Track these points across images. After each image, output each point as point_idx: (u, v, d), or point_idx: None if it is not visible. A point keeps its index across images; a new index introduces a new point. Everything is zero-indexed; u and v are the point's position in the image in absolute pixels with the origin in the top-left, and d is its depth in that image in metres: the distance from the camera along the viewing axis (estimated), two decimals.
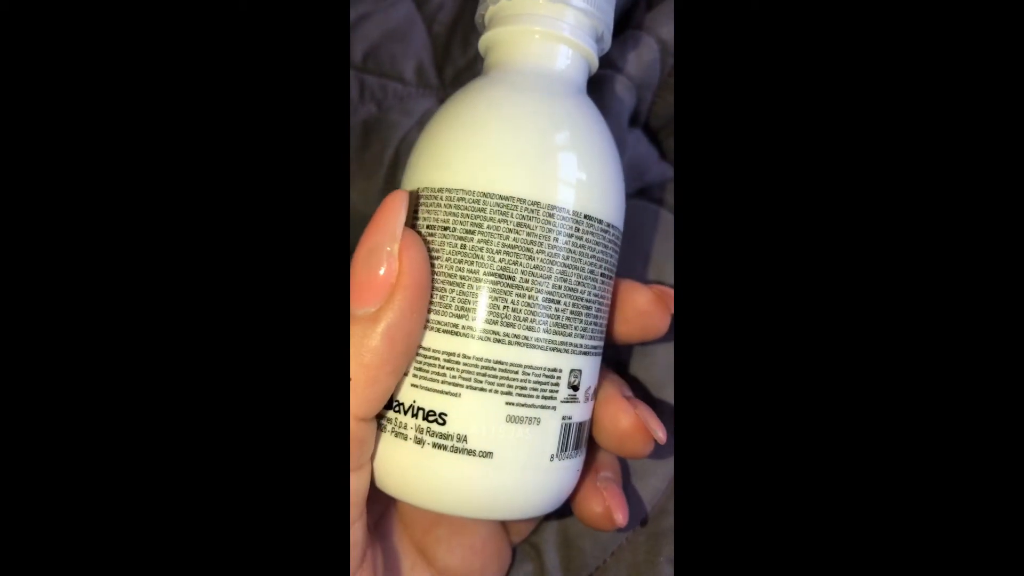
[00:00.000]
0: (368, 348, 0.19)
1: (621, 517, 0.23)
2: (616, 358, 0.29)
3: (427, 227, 0.21)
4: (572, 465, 0.22)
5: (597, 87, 0.30)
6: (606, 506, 0.23)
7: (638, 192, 0.32)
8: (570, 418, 0.21)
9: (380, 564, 0.22)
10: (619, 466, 0.25)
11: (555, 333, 0.21)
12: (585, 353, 0.22)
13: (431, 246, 0.21)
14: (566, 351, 0.21)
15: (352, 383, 0.19)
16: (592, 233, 0.21)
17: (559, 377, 0.21)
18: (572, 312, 0.21)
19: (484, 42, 0.24)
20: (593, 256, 0.21)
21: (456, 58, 0.35)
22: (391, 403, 0.21)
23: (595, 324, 0.22)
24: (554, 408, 0.21)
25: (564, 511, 0.26)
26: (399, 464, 0.21)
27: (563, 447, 0.21)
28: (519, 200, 0.20)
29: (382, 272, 0.19)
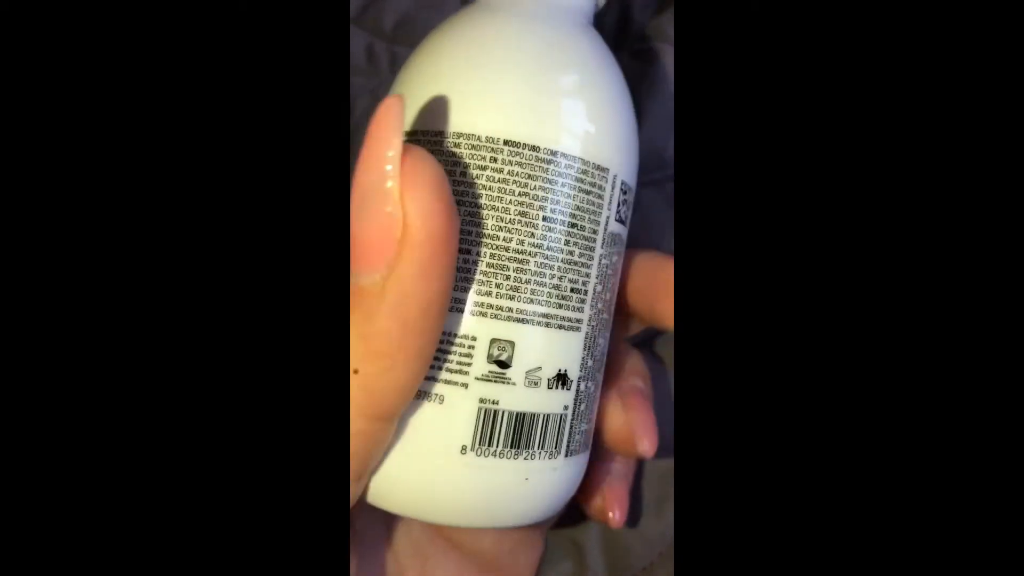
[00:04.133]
0: (376, 329, 0.15)
1: (618, 516, 0.21)
2: (643, 337, 0.25)
3: None
4: (518, 469, 0.17)
5: (647, 59, 0.25)
6: (604, 502, 0.21)
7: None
8: (496, 403, 0.16)
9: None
10: (634, 459, 0.23)
11: (462, 290, 0.16)
12: (523, 321, 0.16)
13: None
14: (483, 315, 0.16)
15: (363, 375, 0.15)
16: (519, 163, 0.16)
17: (471, 346, 0.16)
18: (491, 265, 0.16)
19: None
20: (524, 192, 0.16)
21: None
22: None
23: (548, 285, 0.17)
24: (464, 386, 0.16)
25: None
26: None
27: (485, 440, 0.16)
28: (407, 133, 0.17)
29: (383, 224, 0.14)
